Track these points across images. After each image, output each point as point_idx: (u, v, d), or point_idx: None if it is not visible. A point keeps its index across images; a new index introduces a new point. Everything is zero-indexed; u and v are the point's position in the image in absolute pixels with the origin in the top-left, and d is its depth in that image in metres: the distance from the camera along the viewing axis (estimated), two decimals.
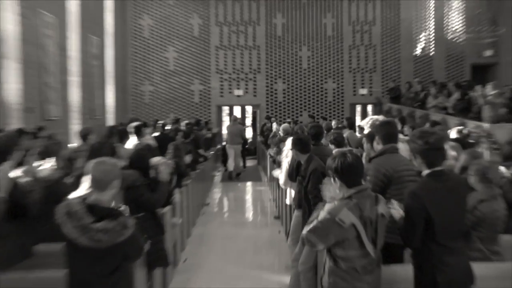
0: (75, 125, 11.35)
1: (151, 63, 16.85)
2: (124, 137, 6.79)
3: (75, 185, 3.62)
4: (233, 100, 17.16)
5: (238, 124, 14.10)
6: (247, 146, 15.89)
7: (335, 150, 4.85)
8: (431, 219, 2.73)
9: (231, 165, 13.73)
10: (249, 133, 17.93)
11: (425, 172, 2.86)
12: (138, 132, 7.20)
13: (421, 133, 2.92)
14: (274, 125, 10.53)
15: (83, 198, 2.71)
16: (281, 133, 9.03)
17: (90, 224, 2.57)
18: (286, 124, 9.42)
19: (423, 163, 2.86)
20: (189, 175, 7.43)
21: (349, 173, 2.74)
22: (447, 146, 2.98)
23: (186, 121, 12.21)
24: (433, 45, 17.22)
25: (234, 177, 13.37)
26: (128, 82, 16.71)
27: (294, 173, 5.29)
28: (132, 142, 6.86)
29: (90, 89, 12.66)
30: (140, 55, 16.82)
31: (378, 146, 3.75)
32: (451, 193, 2.81)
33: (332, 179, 2.83)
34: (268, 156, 10.61)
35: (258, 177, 13.57)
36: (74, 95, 11.64)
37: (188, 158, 7.20)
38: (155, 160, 4.55)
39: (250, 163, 16.18)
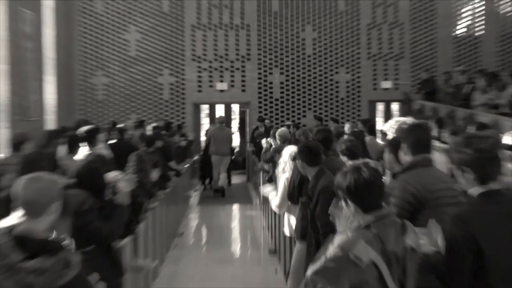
0: (1, 129, 11.27)
1: (106, 47, 16.82)
2: (74, 145, 6.76)
3: (1, 210, 3.57)
4: (214, 96, 17.16)
5: (226, 128, 14.15)
6: (233, 157, 15.89)
7: (348, 163, 4.85)
8: (483, 255, 2.70)
9: (217, 180, 13.77)
10: (235, 140, 17.94)
11: (475, 190, 2.84)
12: (91, 138, 7.16)
13: (468, 138, 2.90)
14: (264, 142, 10.58)
15: (9, 228, 2.66)
16: (277, 141, 9.02)
17: (19, 263, 2.52)
18: (283, 129, 9.43)
19: (475, 178, 2.83)
20: (157, 196, 7.39)
21: (366, 193, 2.73)
22: (503, 156, 2.95)
23: (153, 124, 12.18)
24: (481, 22, 17.37)
25: (220, 189, 13.51)
26: (74, 72, 16.66)
27: (295, 192, 5.28)
28: (82, 152, 6.83)
29: (22, 80, 12.58)
30: (91, 37, 16.79)
31: (405, 157, 3.75)
32: (511, 220, 2.79)
33: (343, 202, 2.82)
34: (261, 171, 10.58)
35: (247, 198, 13.56)
36: (0, 88, 11.56)
37: (155, 174, 7.18)
38: (111, 176, 4.51)
39: (237, 179, 16.17)
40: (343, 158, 5.22)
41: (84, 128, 7.37)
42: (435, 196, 3.47)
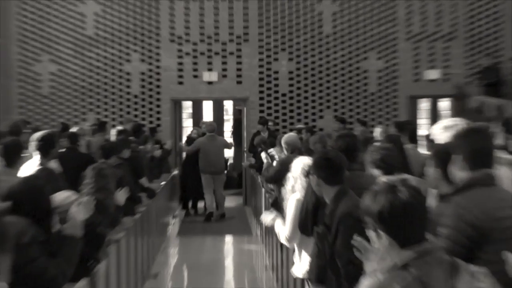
0: None
1: (54, 23, 16.81)
2: (12, 156, 6.75)
3: None
4: (200, 89, 17.13)
5: (218, 137, 14.22)
6: (225, 172, 15.88)
7: (381, 179, 4.84)
8: None
9: (210, 204, 13.87)
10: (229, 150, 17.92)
11: None
12: (48, 149, 7.11)
13: None
14: (263, 156, 10.65)
15: None
16: (284, 150, 9.02)
17: None
18: (292, 134, 9.42)
19: None
20: (122, 224, 7.38)
21: (404, 221, 2.73)
22: None
23: (118, 128, 12.20)
24: None
25: (216, 218, 13.72)
26: (10, 56, 16.66)
27: (309, 220, 5.27)
28: (29, 165, 6.81)
29: None
30: (34, 9, 16.77)
31: (459, 173, 3.75)
32: None
33: (372, 233, 2.82)
34: (263, 191, 10.56)
35: (245, 228, 13.59)
36: None
37: (121, 194, 7.18)
38: (60, 197, 4.50)
39: (231, 201, 16.13)
40: (375, 172, 5.21)
41: (38, 134, 7.31)
42: (502, 226, 3.46)
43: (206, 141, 14.02)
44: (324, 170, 4.83)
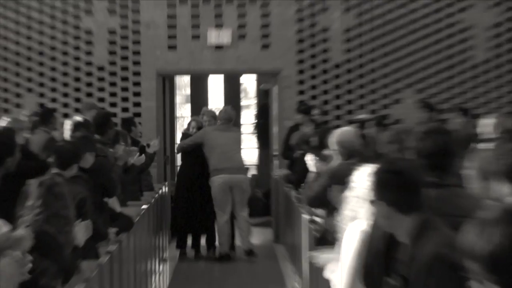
0: None
1: None
2: None
3: None
4: (203, 58, 17.22)
5: (234, 128, 14.41)
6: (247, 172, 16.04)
7: (490, 202, 4.82)
8: None
9: (227, 234, 13.95)
10: (249, 152, 17.99)
11: None
12: (4, 154, 7.18)
13: None
14: (310, 160, 10.67)
15: None
16: (338, 154, 9.05)
17: None
18: (349, 130, 9.42)
19: None
20: (81, 272, 7.41)
21: None
22: None
23: (75, 118, 12.27)
24: None
25: (244, 254, 14.22)
26: None
27: (379, 266, 5.29)
28: None
29: None
30: None
31: None
32: None
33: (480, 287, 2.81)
34: (306, 219, 10.59)
35: (276, 276, 13.72)
36: None
37: (82, 229, 7.21)
38: None
39: (255, 235, 16.20)
40: (504, 189, 5.16)
41: None
42: None
43: (214, 132, 14.15)
44: (393, 191, 4.79)
